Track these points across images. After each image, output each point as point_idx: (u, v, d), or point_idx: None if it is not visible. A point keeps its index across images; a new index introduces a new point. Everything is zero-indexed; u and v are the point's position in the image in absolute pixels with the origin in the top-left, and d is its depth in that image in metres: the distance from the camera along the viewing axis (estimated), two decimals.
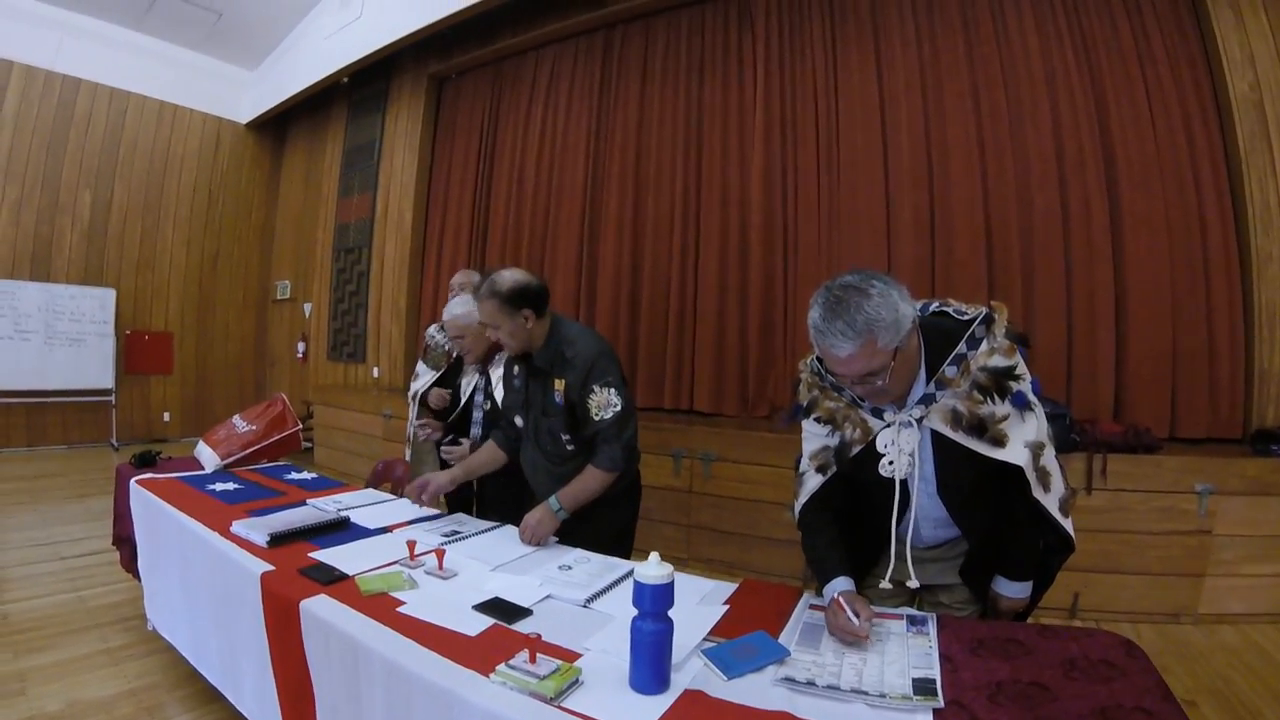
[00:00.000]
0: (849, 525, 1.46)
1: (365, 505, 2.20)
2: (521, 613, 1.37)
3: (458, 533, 1.92)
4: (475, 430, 2.57)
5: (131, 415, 7.23)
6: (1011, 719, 0.99)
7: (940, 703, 1.03)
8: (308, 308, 7.55)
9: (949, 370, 1.29)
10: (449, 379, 2.88)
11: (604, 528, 2.00)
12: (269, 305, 8.33)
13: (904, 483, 1.35)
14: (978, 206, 3.75)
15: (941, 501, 1.39)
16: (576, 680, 1.08)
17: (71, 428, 6.79)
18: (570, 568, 1.64)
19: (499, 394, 2.43)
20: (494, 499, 2.41)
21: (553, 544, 1.87)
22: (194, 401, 7.72)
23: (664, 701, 1.04)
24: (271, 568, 1.57)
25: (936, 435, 1.33)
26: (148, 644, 2.45)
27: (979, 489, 1.37)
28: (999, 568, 1.45)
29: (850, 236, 4.07)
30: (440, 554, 1.62)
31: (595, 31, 5.24)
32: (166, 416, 7.53)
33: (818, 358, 1.37)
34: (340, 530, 1.91)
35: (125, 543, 2.47)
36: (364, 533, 1.90)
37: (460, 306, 2.44)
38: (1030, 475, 1.31)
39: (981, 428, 1.28)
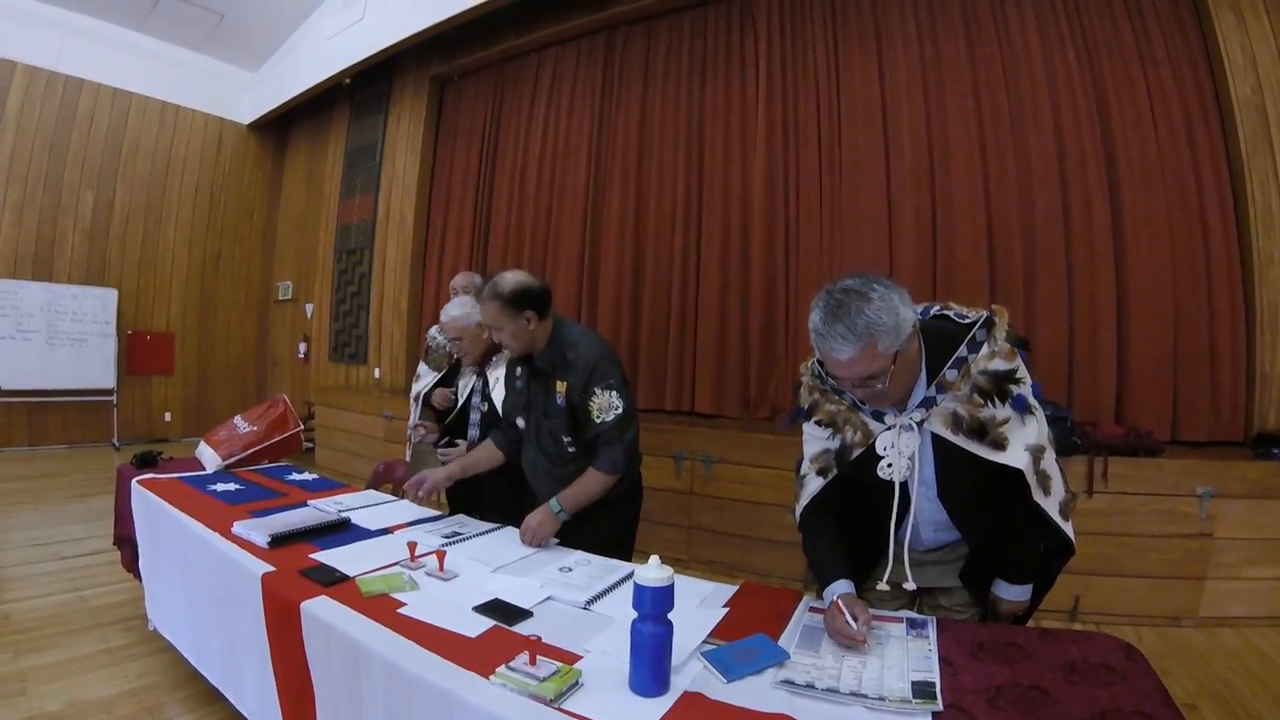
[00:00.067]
0: (850, 528, 1.46)
1: (366, 506, 2.20)
2: (522, 614, 1.37)
3: (459, 534, 1.92)
4: (473, 432, 2.57)
5: (133, 415, 7.24)
6: None
7: (940, 706, 1.03)
8: (309, 309, 7.56)
9: (949, 374, 1.29)
10: (450, 380, 2.88)
11: (605, 529, 2.00)
12: (271, 306, 8.35)
13: (904, 486, 1.36)
14: (979, 207, 3.75)
15: (942, 505, 1.39)
16: (576, 682, 1.08)
17: (73, 428, 6.81)
18: (571, 569, 1.64)
19: (496, 396, 2.43)
20: (495, 500, 2.42)
21: (553, 546, 1.87)
22: (195, 402, 7.74)
23: (663, 704, 1.05)
24: (272, 569, 1.57)
25: (937, 438, 1.33)
26: (148, 644, 2.45)
27: (979, 492, 1.37)
28: (999, 571, 1.45)
29: (852, 237, 4.08)
30: (441, 555, 1.62)
31: (597, 33, 5.25)
32: (168, 417, 7.54)
33: (819, 361, 1.37)
34: (341, 531, 1.91)
35: (126, 543, 2.48)
36: (365, 534, 1.90)
37: (458, 308, 2.44)
38: (1031, 479, 1.31)
39: (982, 431, 1.28)
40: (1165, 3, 3.48)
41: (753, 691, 1.09)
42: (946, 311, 1.38)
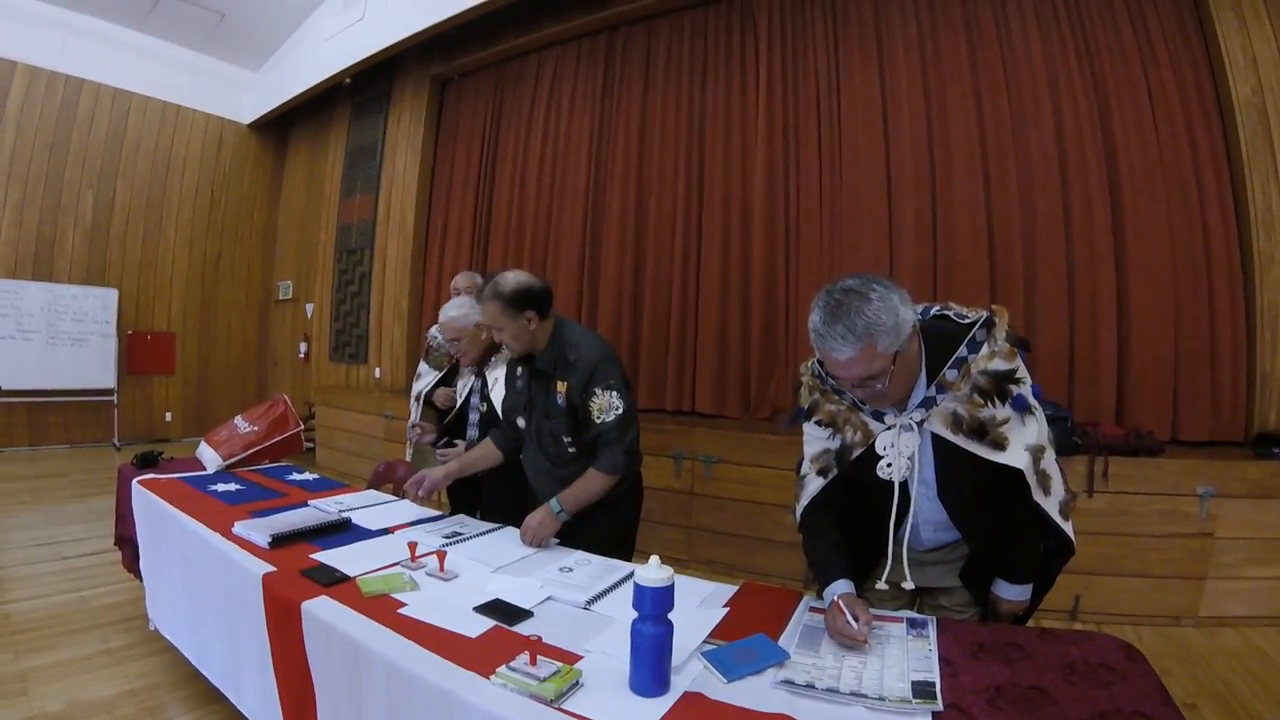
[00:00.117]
0: (850, 528, 1.46)
1: (367, 506, 2.20)
2: (522, 614, 1.37)
3: (459, 534, 1.92)
4: (472, 433, 2.57)
5: (134, 415, 7.24)
6: None
7: (939, 706, 1.03)
8: (310, 308, 7.56)
9: (949, 374, 1.29)
10: (451, 379, 2.88)
11: (605, 529, 2.00)
12: (271, 306, 8.35)
13: (904, 485, 1.36)
14: (980, 208, 3.75)
15: (942, 504, 1.39)
16: (577, 682, 1.09)
17: (73, 427, 6.81)
18: (571, 570, 1.64)
19: (495, 396, 2.43)
20: (495, 500, 2.42)
21: (554, 546, 1.87)
22: (196, 402, 7.74)
23: (664, 704, 1.05)
24: (273, 569, 1.57)
25: (937, 438, 1.33)
26: (149, 644, 2.45)
27: (979, 492, 1.37)
28: (999, 571, 1.45)
29: (852, 238, 4.08)
30: (441, 555, 1.62)
31: (598, 33, 5.25)
32: (168, 417, 7.54)
33: (819, 361, 1.38)
34: (342, 531, 1.92)
35: (127, 543, 2.48)
36: (365, 534, 1.91)
37: (456, 309, 2.44)
38: (1031, 479, 1.31)
39: (982, 431, 1.29)
40: (1166, 5, 3.48)
41: (753, 691, 1.09)
42: (946, 311, 1.38)
